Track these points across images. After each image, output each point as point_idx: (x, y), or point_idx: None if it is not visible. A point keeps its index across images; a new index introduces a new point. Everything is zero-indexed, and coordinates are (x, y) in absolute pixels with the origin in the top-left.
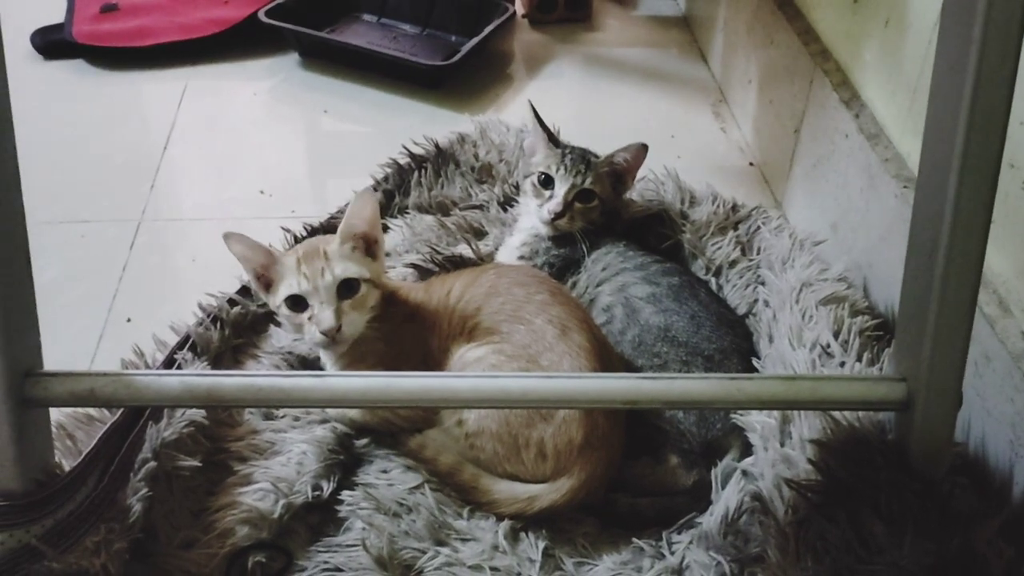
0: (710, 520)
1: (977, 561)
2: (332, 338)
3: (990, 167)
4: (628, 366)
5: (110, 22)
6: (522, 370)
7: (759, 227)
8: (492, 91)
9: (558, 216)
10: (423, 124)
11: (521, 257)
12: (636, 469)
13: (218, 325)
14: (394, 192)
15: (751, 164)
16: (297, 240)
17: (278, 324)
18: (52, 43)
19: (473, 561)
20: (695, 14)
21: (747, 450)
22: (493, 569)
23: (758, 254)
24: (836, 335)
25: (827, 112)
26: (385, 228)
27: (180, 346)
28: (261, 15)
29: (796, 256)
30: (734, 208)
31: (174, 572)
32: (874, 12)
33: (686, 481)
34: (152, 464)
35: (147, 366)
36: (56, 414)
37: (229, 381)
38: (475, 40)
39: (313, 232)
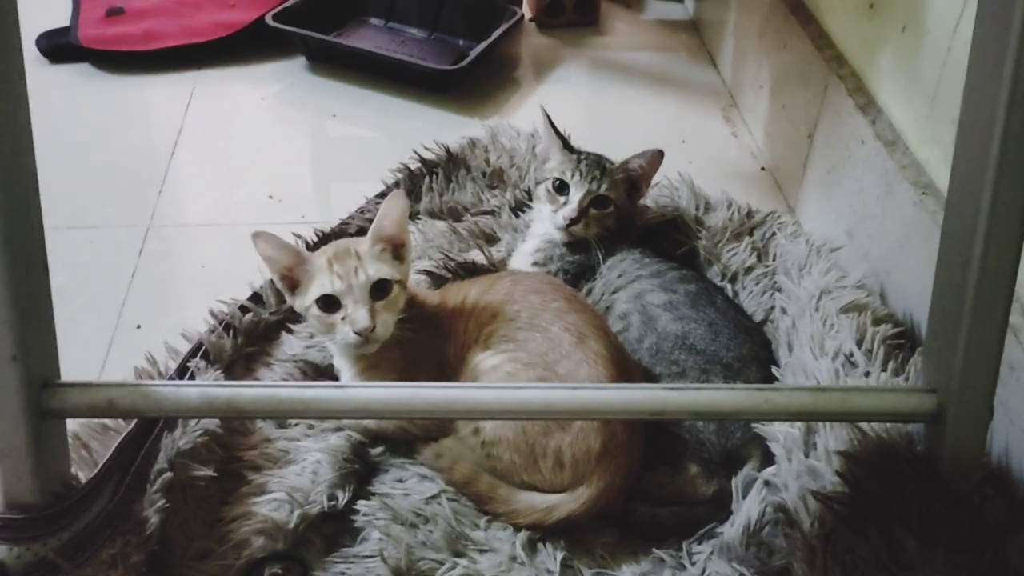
0: (731, 531)
1: (1010, 574)
2: (366, 338)
3: None
4: (646, 374)
5: (116, 26)
6: (539, 378)
7: (774, 233)
8: (500, 95)
9: (573, 222)
10: (431, 129)
11: (535, 263)
12: (655, 478)
13: (230, 333)
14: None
15: (763, 169)
16: (309, 246)
17: (290, 331)
18: (58, 47)
19: (491, 572)
20: (704, 18)
21: (767, 459)
22: None
23: (774, 260)
24: (859, 344)
25: (842, 118)
26: None
27: (192, 354)
28: (268, 19)
29: (813, 262)
30: (749, 214)
31: None
32: (891, 17)
33: (706, 491)
34: (168, 475)
35: (160, 374)
36: (71, 424)
37: (249, 392)
38: (483, 44)
39: (325, 238)
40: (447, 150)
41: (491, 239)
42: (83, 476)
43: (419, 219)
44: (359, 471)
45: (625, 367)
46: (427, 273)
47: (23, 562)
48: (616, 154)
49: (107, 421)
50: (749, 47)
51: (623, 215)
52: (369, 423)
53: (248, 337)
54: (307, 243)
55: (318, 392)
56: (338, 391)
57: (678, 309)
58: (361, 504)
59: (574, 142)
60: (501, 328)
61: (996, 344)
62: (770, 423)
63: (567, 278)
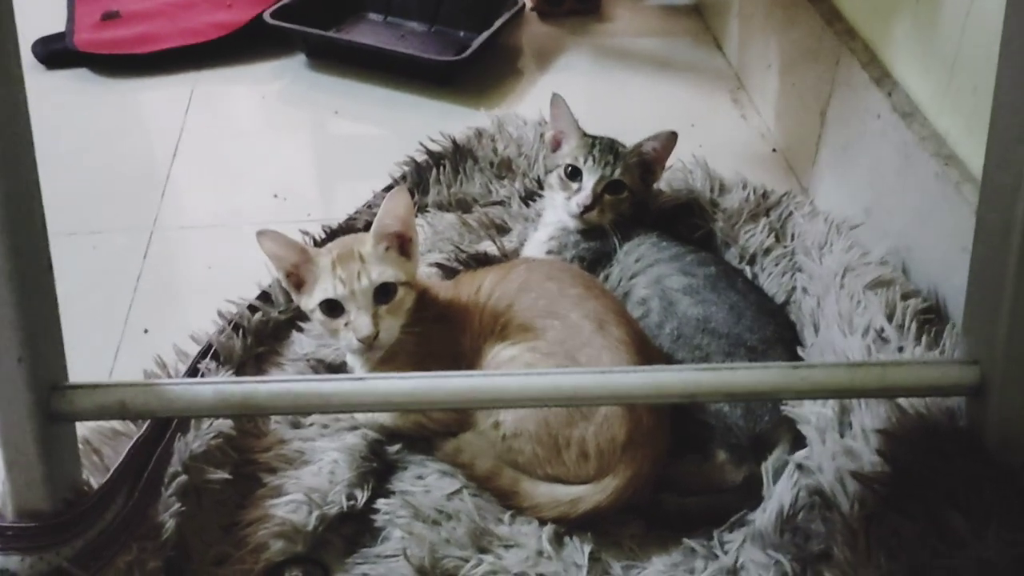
0: (763, 517)
1: None
2: (369, 345)
3: None
4: (668, 360)
5: (112, 29)
6: (559, 367)
7: (791, 212)
8: (503, 86)
9: (588, 209)
10: (435, 121)
11: (549, 252)
12: (682, 467)
13: (240, 333)
14: (413, 191)
15: (774, 150)
16: (316, 242)
17: (300, 330)
18: (54, 53)
19: (518, 568)
20: (707, 1)
21: (798, 443)
22: (539, 575)
23: (792, 240)
24: (890, 319)
25: (856, 92)
26: None
27: (202, 355)
28: (266, 17)
29: (834, 240)
30: (765, 195)
31: None
32: None
33: (735, 477)
34: (183, 478)
35: (170, 377)
36: (80, 428)
37: (265, 388)
38: (485, 34)
39: (332, 234)
40: (454, 141)
41: (502, 229)
42: (95, 482)
43: (428, 212)
44: (377, 469)
45: (647, 353)
46: (438, 266)
47: (36, 572)
48: (625, 142)
49: (118, 425)
50: (755, 27)
51: (638, 200)
52: (385, 420)
53: (258, 337)
54: (315, 239)
55: (336, 385)
56: (357, 383)
57: (699, 292)
58: (381, 503)
59: None
60: (518, 317)
61: None
62: (800, 404)
63: (583, 265)
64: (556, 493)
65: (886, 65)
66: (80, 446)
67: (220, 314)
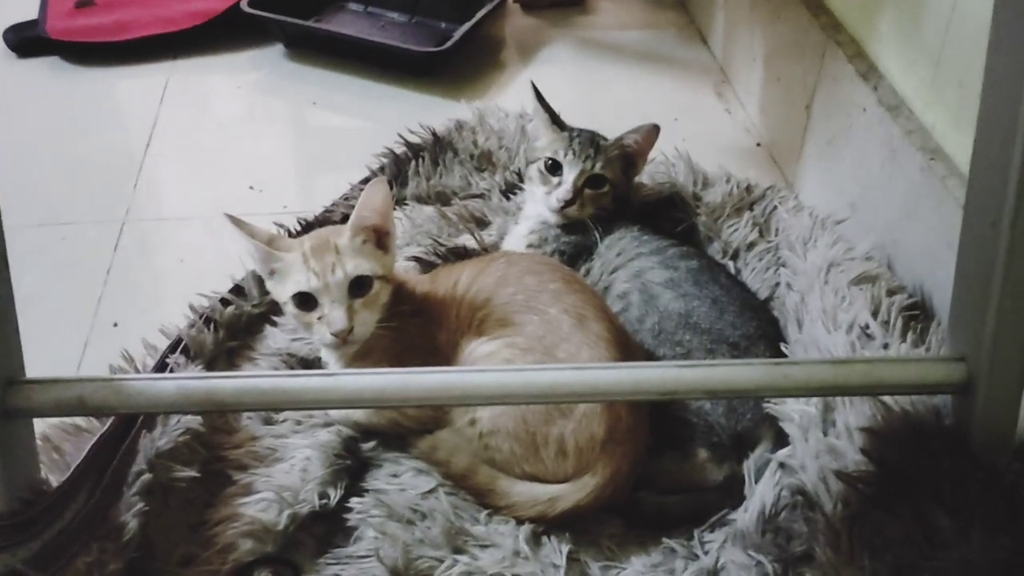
0: (745, 517)
1: None
2: (343, 340)
3: None
4: (649, 356)
5: (85, 17)
6: (537, 363)
7: (775, 207)
8: (485, 78)
9: (568, 204)
10: (415, 113)
11: (530, 246)
12: (662, 465)
13: (211, 327)
14: (391, 183)
15: (758, 145)
16: (291, 235)
17: (274, 324)
18: (26, 40)
19: (494, 569)
20: None
21: (780, 441)
22: None
23: (776, 235)
24: (875, 315)
25: (841, 86)
26: None
27: (172, 350)
28: (244, 5)
29: (818, 236)
30: (748, 189)
31: None
32: None
33: (716, 476)
34: (147, 476)
35: (137, 372)
36: (40, 425)
37: (229, 384)
38: (467, 25)
39: (308, 227)
40: (433, 133)
41: (481, 223)
42: (55, 481)
43: (406, 204)
44: (351, 467)
45: (628, 349)
46: (416, 259)
47: None
48: (607, 135)
49: (80, 422)
50: (740, 20)
51: (619, 193)
52: (359, 417)
53: (230, 331)
54: (289, 232)
55: (304, 382)
56: (326, 380)
57: (680, 287)
58: (354, 502)
59: None
60: (496, 312)
61: None
62: (783, 402)
63: (564, 259)
64: (534, 492)
65: (872, 59)
66: (39, 443)
67: (191, 307)
